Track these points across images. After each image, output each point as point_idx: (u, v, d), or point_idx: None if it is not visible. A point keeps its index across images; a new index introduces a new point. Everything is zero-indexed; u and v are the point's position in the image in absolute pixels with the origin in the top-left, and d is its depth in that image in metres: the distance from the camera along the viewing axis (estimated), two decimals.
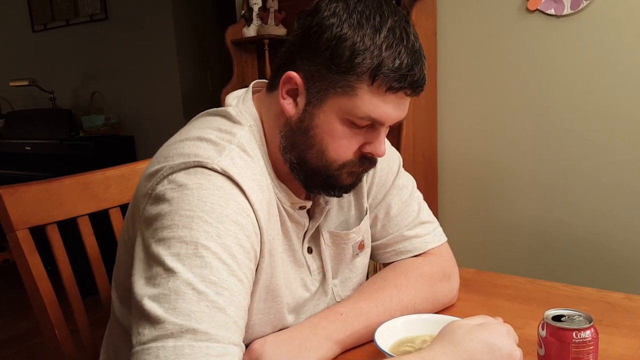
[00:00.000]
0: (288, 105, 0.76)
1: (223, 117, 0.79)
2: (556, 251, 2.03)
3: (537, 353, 0.69)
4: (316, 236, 0.88)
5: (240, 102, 0.81)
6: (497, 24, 2.02)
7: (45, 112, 3.55)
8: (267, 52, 2.27)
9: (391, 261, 0.96)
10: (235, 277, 0.65)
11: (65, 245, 0.96)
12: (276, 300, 0.79)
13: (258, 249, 0.72)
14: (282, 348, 0.74)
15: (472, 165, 2.17)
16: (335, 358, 0.79)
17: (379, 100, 0.72)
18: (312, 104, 0.74)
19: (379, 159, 0.81)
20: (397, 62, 0.70)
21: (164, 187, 0.69)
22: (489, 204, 2.16)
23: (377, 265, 1.70)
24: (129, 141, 3.44)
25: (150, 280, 0.63)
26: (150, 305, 0.61)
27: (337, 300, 0.91)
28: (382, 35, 0.70)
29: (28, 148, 3.40)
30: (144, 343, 0.59)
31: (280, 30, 2.31)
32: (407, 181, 0.97)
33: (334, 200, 0.88)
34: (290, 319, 0.83)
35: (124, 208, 0.94)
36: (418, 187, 0.99)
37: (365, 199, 0.93)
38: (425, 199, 0.99)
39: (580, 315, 0.67)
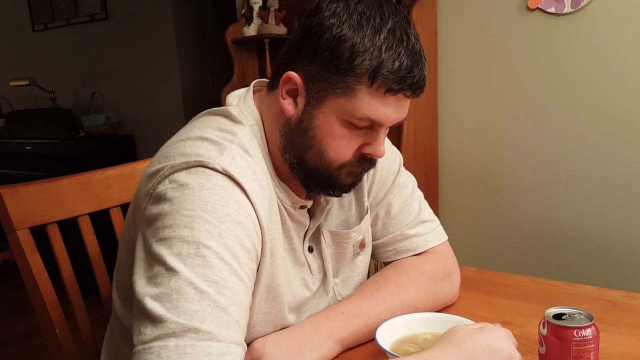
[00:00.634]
0: (288, 105, 0.76)
1: (224, 117, 0.79)
2: (557, 250, 2.03)
3: (538, 351, 0.69)
4: (317, 235, 0.88)
5: (241, 101, 0.81)
6: (497, 23, 2.02)
7: (46, 111, 3.55)
8: (267, 51, 2.27)
9: (392, 260, 0.96)
10: (237, 277, 0.65)
11: (66, 245, 0.96)
12: (277, 299, 0.79)
13: (259, 249, 0.72)
14: (283, 347, 0.74)
15: (473, 164, 2.17)
16: (336, 357, 0.79)
17: (378, 101, 0.72)
18: (311, 104, 0.74)
19: (379, 158, 0.81)
20: (397, 63, 0.69)
21: (165, 187, 0.69)
22: (489, 203, 2.16)
23: (378, 264, 1.71)
24: (129, 141, 3.44)
25: (152, 279, 0.63)
26: (152, 305, 0.61)
27: (338, 299, 0.91)
28: (382, 37, 0.70)
29: (28, 148, 3.40)
30: (146, 342, 0.59)
31: (281, 30, 2.31)
32: (408, 180, 0.97)
33: (334, 200, 0.88)
34: (291, 318, 0.83)
35: (124, 208, 0.94)
36: (418, 186, 0.99)
37: (365, 198, 0.93)
38: (425, 197, 1.00)
39: (581, 314, 0.67)
